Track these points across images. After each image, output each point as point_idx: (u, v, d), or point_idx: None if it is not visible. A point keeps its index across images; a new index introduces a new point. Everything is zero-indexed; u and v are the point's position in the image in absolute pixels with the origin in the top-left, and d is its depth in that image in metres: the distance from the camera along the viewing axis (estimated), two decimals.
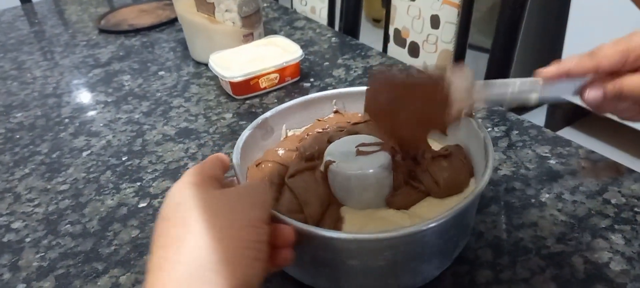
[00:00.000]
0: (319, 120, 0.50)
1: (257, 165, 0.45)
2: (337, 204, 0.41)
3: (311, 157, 0.42)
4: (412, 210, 0.40)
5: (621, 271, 0.39)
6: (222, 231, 0.29)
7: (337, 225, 0.39)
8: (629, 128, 1.59)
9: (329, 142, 0.43)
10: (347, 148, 0.42)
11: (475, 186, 0.37)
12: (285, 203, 0.40)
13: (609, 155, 0.51)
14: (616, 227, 0.43)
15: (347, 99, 0.51)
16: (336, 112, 0.51)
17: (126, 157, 0.62)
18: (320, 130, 0.48)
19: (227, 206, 0.31)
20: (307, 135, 0.48)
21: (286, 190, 0.41)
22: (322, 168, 0.41)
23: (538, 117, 1.91)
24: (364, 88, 0.44)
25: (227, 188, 0.33)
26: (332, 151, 0.42)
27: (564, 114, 1.89)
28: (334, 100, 0.51)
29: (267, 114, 0.48)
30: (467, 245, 0.42)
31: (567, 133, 1.90)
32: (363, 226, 0.39)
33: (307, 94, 0.71)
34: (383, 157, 0.41)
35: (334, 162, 0.40)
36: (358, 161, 0.41)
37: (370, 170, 0.40)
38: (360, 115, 0.51)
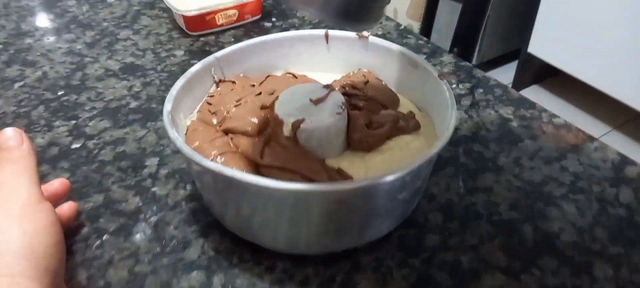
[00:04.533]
0: (211, 96, 0.44)
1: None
2: (316, 159, 0.38)
3: (260, 130, 0.38)
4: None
5: (571, 243, 0.38)
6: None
7: (343, 176, 0.36)
8: (595, 90, 1.60)
9: (263, 108, 0.40)
10: (300, 103, 0.38)
11: (435, 146, 0.34)
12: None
13: (570, 116, 0.50)
14: (571, 196, 0.42)
15: (223, 63, 0.46)
16: (221, 81, 0.46)
17: (63, 92, 0.56)
18: (237, 104, 0.42)
19: None
20: (223, 113, 0.42)
21: (269, 171, 0.36)
22: (287, 132, 0.37)
23: (507, 74, 1.91)
24: (240, 45, 0.46)
25: None
26: (288, 111, 0.38)
27: (533, 72, 1.89)
28: (212, 69, 0.45)
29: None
30: (417, 207, 0.41)
31: (533, 91, 1.92)
32: (366, 169, 0.37)
33: (268, 33, 0.66)
34: (338, 97, 0.39)
35: (304, 120, 0.37)
36: (323, 110, 0.38)
37: (341, 113, 0.38)
38: (242, 75, 0.46)
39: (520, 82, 1.88)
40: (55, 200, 0.38)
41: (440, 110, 0.40)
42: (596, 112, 1.78)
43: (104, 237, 0.39)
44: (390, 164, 0.38)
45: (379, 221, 0.36)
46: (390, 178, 0.32)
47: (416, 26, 0.74)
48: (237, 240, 0.38)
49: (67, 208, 0.39)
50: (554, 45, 1.67)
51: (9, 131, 0.33)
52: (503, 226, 0.39)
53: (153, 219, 0.41)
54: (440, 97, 0.40)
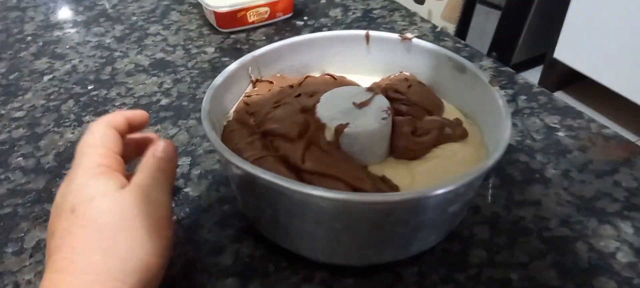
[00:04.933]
0: (247, 96, 0.43)
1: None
2: (358, 166, 0.36)
3: (301, 134, 0.37)
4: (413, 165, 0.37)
5: (628, 263, 0.35)
6: (130, 241, 0.28)
7: (387, 184, 0.34)
8: (621, 97, 1.56)
9: (304, 111, 0.38)
10: (343, 106, 0.36)
11: (491, 157, 0.32)
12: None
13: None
14: (626, 213, 0.39)
15: (260, 62, 0.44)
16: (258, 81, 0.44)
17: (92, 86, 0.55)
18: (276, 105, 0.40)
19: (134, 214, 0.29)
20: (256, 114, 0.40)
21: (311, 176, 0.34)
22: (329, 136, 0.36)
23: (530, 78, 1.87)
24: (279, 44, 0.44)
25: (130, 188, 0.30)
26: (330, 114, 0.36)
27: (558, 78, 1.84)
28: (250, 68, 0.43)
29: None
30: (461, 219, 0.39)
31: (558, 97, 1.87)
32: (412, 177, 0.35)
33: (299, 33, 0.64)
34: (382, 101, 0.37)
35: (347, 124, 0.35)
36: (367, 114, 0.36)
37: (387, 118, 0.36)
38: (279, 74, 0.45)
39: (544, 87, 1.83)
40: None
41: (489, 118, 0.38)
42: (621, 120, 1.73)
43: None
44: (437, 174, 0.36)
45: (426, 234, 0.34)
46: (443, 189, 0.30)
47: (451, 28, 0.72)
48: (273, 246, 0.37)
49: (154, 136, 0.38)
50: (581, 51, 1.63)
51: (166, 143, 0.33)
52: (554, 243, 0.37)
53: (186, 221, 0.39)
54: (490, 105, 0.38)
